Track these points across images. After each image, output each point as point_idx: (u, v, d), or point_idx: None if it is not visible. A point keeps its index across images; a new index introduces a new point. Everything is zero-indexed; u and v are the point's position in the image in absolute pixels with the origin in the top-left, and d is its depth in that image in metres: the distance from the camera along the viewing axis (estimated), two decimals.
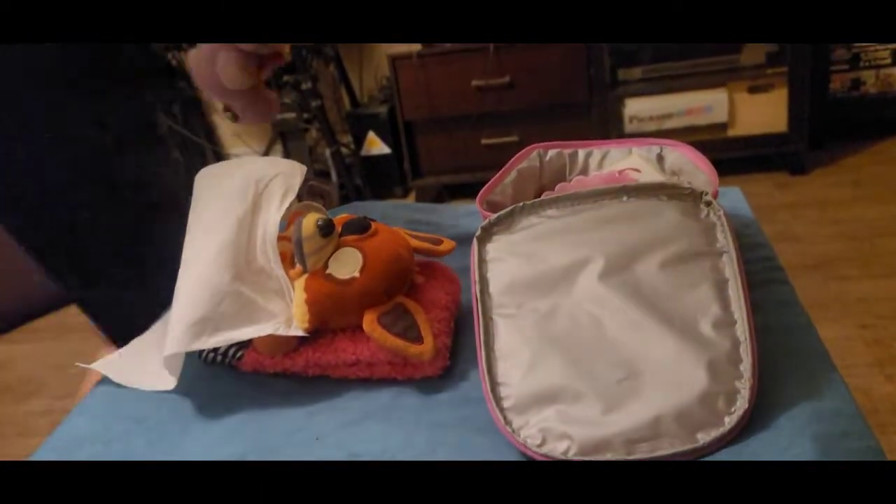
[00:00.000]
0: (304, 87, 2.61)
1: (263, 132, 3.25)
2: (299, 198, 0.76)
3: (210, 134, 3.32)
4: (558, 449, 0.57)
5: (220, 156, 3.32)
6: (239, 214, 0.70)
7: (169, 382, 0.71)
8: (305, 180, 0.78)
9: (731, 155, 2.58)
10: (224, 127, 3.31)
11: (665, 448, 0.56)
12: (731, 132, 2.58)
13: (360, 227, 0.69)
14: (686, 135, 2.55)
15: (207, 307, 0.67)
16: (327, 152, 2.69)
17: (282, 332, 0.68)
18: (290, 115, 2.72)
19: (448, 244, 0.76)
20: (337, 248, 0.68)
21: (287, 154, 2.88)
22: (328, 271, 0.67)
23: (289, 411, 0.68)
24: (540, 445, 0.58)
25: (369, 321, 0.66)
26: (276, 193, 0.72)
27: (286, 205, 0.72)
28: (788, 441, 0.54)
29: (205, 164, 0.78)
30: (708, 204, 0.68)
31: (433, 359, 0.67)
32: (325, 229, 0.66)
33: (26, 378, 2.19)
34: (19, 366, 2.26)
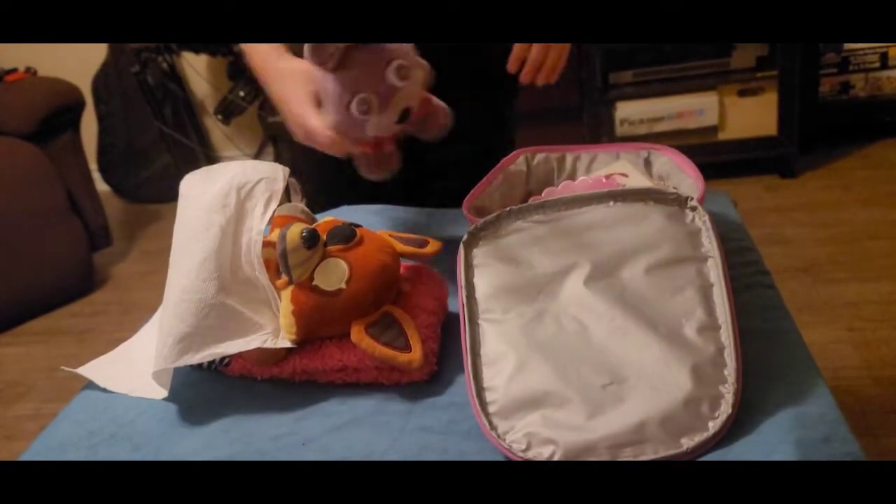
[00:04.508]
0: None
1: (254, 136, 3.25)
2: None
3: (201, 137, 3.31)
4: (543, 454, 0.58)
5: (211, 159, 3.31)
6: (222, 223, 0.70)
7: (160, 392, 0.71)
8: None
9: (722, 158, 2.58)
10: (215, 130, 3.31)
11: (649, 453, 0.56)
12: (722, 135, 2.59)
13: (346, 237, 0.69)
14: (677, 138, 2.55)
15: (192, 321, 0.67)
16: None
17: (269, 344, 0.68)
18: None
19: (434, 245, 0.76)
20: (322, 258, 0.68)
21: (278, 157, 2.87)
22: (314, 283, 0.67)
23: (276, 416, 0.68)
24: (525, 450, 0.58)
25: (357, 332, 0.66)
26: (260, 200, 0.72)
27: (270, 212, 0.72)
28: (772, 446, 0.55)
29: (196, 167, 0.78)
30: (693, 209, 0.69)
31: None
32: (310, 241, 0.66)
33: (15, 381, 2.18)
34: (8, 369, 2.25)
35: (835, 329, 1.78)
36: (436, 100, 0.81)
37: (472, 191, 0.83)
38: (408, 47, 0.74)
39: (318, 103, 0.77)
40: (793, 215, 2.37)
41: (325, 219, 0.74)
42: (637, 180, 0.83)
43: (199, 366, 0.73)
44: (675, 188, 0.71)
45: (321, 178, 1.05)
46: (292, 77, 0.81)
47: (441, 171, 1.06)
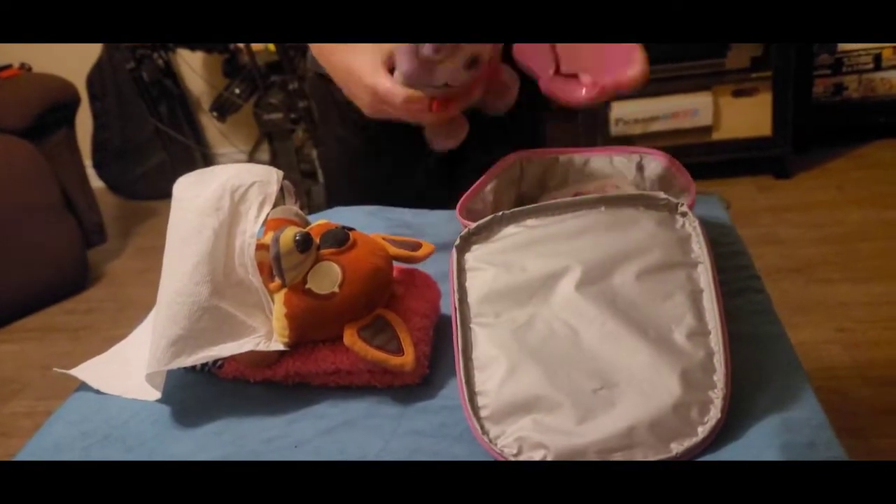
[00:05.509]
0: (290, 87, 2.61)
1: (250, 133, 3.25)
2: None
3: (197, 134, 3.31)
4: (534, 458, 0.58)
5: (206, 156, 3.31)
6: (215, 226, 0.70)
7: (153, 394, 0.71)
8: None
9: (716, 158, 2.60)
10: (211, 127, 3.31)
11: (639, 457, 0.57)
12: (716, 136, 2.60)
13: (339, 240, 0.69)
14: (671, 138, 2.56)
15: (185, 324, 0.67)
16: (314, 153, 2.69)
17: (262, 347, 0.68)
18: (277, 116, 2.72)
19: (426, 248, 0.77)
20: (316, 261, 0.68)
21: (273, 154, 2.87)
22: (307, 286, 0.67)
23: (268, 418, 0.68)
24: (516, 454, 0.59)
25: (350, 335, 0.66)
26: (254, 203, 0.72)
27: (263, 215, 0.72)
28: (758, 451, 0.55)
29: (192, 164, 0.78)
30: (684, 214, 0.69)
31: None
32: (303, 244, 0.66)
33: (9, 378, 2.18)
34: (3, 366, 2.25)
35: (826, 329, 1.79)
36: (507, 71, 0.83)
37: (465, 194, 0.83)
38: None
39: (390, 70, 0.78)
40: (786, 215, 2.39)
41: (319, 222, 0.75)
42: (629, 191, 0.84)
43: (193, 368, 0.73)
44: (665, 194, 0.72)
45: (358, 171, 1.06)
46: (361, 46, 0.80)
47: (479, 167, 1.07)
